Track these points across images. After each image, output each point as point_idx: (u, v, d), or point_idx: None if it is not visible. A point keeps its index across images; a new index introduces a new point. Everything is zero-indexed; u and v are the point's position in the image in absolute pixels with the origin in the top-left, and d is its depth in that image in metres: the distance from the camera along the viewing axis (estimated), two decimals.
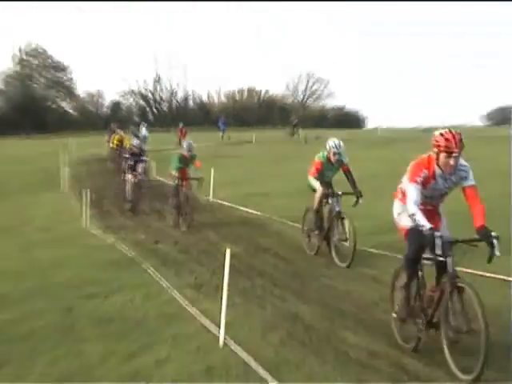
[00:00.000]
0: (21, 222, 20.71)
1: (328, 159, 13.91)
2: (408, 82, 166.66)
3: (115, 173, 30.99)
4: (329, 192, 13.95)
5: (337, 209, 13.62)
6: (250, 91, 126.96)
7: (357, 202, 13.62)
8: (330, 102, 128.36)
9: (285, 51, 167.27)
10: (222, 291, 8.71)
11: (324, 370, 7.46)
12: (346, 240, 13.30)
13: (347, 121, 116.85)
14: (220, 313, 8.67)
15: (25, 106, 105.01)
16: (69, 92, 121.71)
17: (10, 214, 22.41)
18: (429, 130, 76.74)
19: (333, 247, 13.61)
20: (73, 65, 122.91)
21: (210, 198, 23.56)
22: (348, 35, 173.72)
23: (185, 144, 18.55)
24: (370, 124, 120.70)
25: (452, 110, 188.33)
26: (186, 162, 18.30)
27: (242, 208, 20.66)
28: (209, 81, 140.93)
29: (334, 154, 13.73)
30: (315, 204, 14.14)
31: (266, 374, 7.31)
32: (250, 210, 20.06)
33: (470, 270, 10.47)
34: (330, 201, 13.87)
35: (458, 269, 7.51)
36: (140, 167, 22.16)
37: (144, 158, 22.64)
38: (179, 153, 18.42)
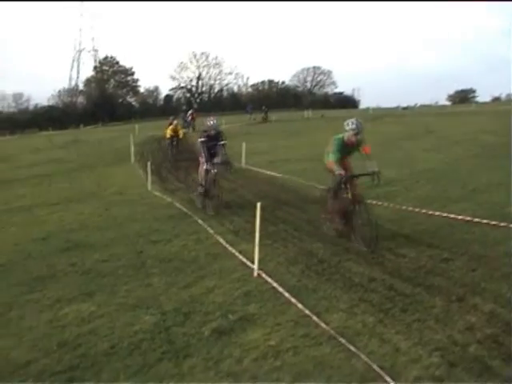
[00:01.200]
0: (102, 188, 20.78)
1: None
2: (390, 70, 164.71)
3: (169, 157, 30.49)
4: None
5: None
6: (270, 82, 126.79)
7: None
8: (333, 89, 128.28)
9: (297, 49, 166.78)
10: (254, 235, 8.69)
11: (334, 292, 7.45)
12: None
13: (346, 103, 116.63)
14: (253, 251, 8.66)
15: (101, 102, 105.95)
16: (133, 90, 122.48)
17: (94, 183, 22.49)
18: (408, 108, 76.56)
19: None
20: (135, 68, 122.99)
21: (243, 164, 23.46)
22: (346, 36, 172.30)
23: (350, 123, 10.31)
24: (362, 105, 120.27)
25: (424, 92, 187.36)
26: (349, 148, 10.46)
27: (267, 172, 20.57)
28: (238, 76, 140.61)
29: None
30: None
31: (290, 297, 7.30)
32: (273, 173, 19.96)
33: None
34: None
35: None
36: (219, 155, 14.40)
37: (222, 141, 14.42)
38: (340, 137, 10.53)
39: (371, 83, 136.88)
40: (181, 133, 30.76)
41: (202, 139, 14.35)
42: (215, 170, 14.23)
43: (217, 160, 14.33)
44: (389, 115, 57.16)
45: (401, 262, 8.73)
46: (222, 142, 14.49)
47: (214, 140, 14.40)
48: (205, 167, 14.36)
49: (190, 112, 53.01)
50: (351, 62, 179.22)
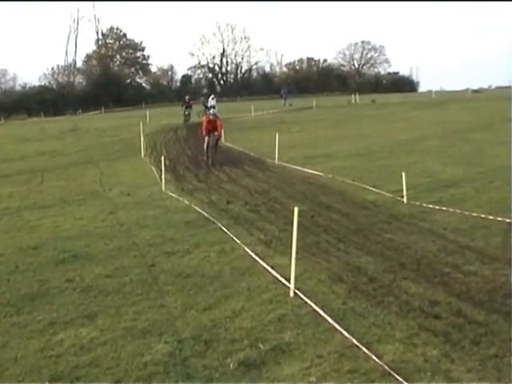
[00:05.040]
0: (105, 187, 20.94)
1: None
2: (458, 45, 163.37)
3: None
4: None
5: None
6: (309, 61, 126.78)
7: None
8: (385, 69, 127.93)
9: (340, 19, 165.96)
10: (290, 247, 8.66)
11: (388, 318, 7.39)
12: None
13: (402, 85, 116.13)
14: (289, 266, 8.64)
15: (104, 83, 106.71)
16: (143, 68, 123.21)
17: (96, 181, 22.68)
18: (479, 91, 75.73)
19: None
20: (145, 42, 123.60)
21: (276, 160, 23.46)
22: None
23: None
24: (421, 87, 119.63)
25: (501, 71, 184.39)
26: None
27: (305, 169, 20.54)
28: (271, 53, 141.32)
29: None
30: None
31: (334, 323, 7.26)
32: (313, 171, 19.93)
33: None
34: None
35: None
36: None
37: None
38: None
39: (433, 61, 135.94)
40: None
41: None
42: None
43: None
44: (455, 100, 56.86)
45: (471, 281, 8.64)
46: None
47: None
48: None
49: (211, 97, 53.19)
50: (408, 36, 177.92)
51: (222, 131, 26.63)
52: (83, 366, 6.67)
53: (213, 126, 24.87)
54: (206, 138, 25.01)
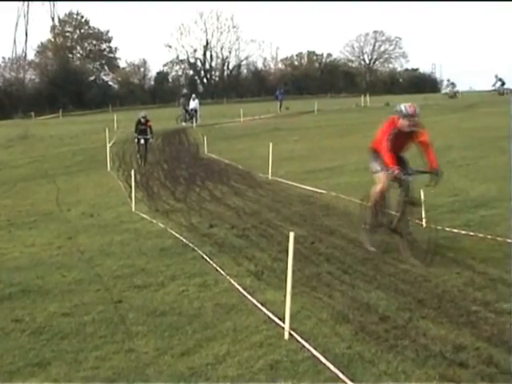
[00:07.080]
0: (63, 206, 20.93)
1: None
2: (491, 35, 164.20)
3: None
4: None
5: None
6: (310, 55, 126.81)
7: None
8: (402, 64, 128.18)
9: (346, 5, 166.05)
10: (285, 279, 8.70)
11: (402, 366, 7.38)
12: None
13: (422, 85, 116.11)
14: (284, 303, 8.67)
15: (62, 80, 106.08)
16: (110, 63, 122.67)
17: (52, 199, 22.66)
18: None
19: None
20: (112, 31, 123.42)
21: (269, 175, 23.51)
22: None
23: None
24: (445, 87, 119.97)
25: None
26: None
27: (304, 186, 20.57)
28: (264, 45, 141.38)
29: None
30: None
31: (337, 371, 7.28)
32: (314, 189, 19.97)
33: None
34: None
35: None
36: None
37: None
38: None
39: (460, 56, 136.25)
40: None
41: None
42: None
43: None
44: (487, 102, 56.81)
45: (504, 322, 8.63)
46: None
47: None
48: None
49: (193, 98, 53.01)
50: (429, 25, 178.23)
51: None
52: None
53: (402, 146, 13.03)
54: (383, 182, 12.94)
